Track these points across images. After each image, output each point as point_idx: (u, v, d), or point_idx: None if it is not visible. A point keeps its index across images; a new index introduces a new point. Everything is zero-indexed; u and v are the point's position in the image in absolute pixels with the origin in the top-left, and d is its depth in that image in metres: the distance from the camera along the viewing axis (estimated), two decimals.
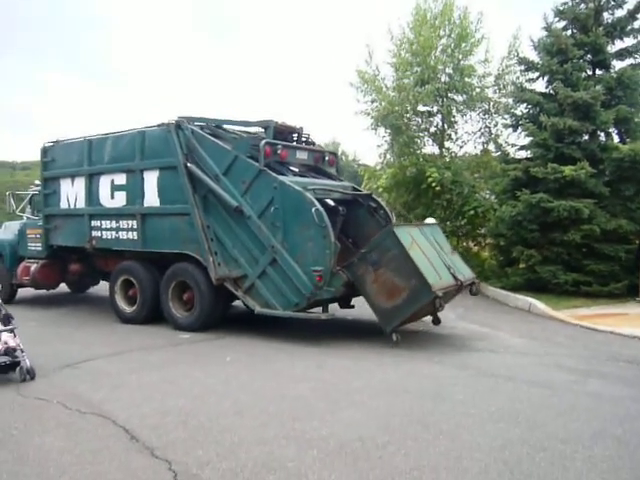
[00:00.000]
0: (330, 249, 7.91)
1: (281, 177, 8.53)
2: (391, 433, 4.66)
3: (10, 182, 71.57)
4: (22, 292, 12.88)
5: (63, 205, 11.30)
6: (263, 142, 8.70)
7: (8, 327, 6.47)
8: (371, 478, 3.83)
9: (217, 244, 8.99)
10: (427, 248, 8.31)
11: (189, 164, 9.11)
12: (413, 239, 8.10)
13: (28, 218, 12.94)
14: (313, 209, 7.95)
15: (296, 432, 4.66)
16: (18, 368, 6.17)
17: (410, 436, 4.59)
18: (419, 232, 8.54)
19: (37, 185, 13.40)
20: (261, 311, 8.58)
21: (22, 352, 6.25)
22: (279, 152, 9.03)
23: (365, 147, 61.72)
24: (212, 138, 9.26)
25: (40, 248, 12.10)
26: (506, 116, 14.64)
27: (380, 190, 15.16)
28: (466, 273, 8.96)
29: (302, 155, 9.82)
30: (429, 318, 9.10)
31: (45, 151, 11.73)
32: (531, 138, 12.88)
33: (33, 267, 12.01)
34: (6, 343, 6.24)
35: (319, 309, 8.56)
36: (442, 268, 8.29)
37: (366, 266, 7.94)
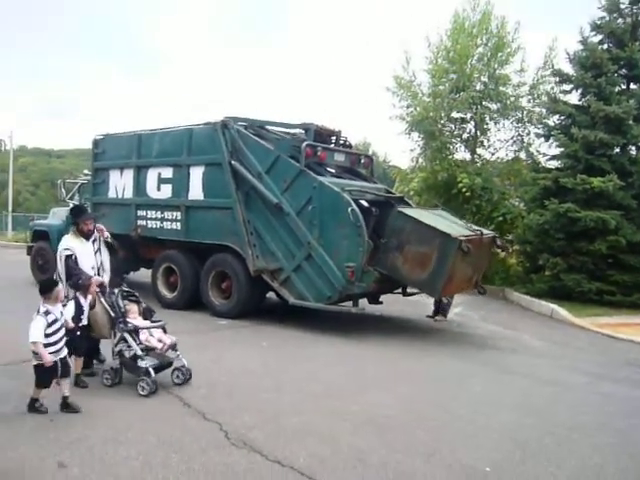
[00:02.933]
0: (363, 247, 8.40)
1: (320, 178, 9.06)
2: (414, 413, 5.19)
3: (46, 169, 73.85)
4: None
5: (111, 194, 11.97)
6: (305, 144, 9.24)
7: (159, 323, 6.07)
8: (395, 446, 4.37)
9: (256, 238, 9.56)
10: (437, 218, 9.02)
11: (233, 162, 9.69)
12: (420, 212, 8.94)
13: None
14: (349, 209, 8.45)
15: (329, 407, 5.22)
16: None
17: (431, 417, 5.11)
18: (425, 211, 9.43)
19: (86, 174, 14.22)
20: (295, 302, 9.13)
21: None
22: (319, 154, 9.56)
23: (395, 148, 62.06)
24: (256, 138, 9.84)
25: None
26: (539, 126, 14.95)
27: (411, 193, 15.62)
28: (485, 230, 9.49)
29: (339, 157, 10.34)
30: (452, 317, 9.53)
31: (96, 143, 12.44)
32: (562, 149, 13.20)
33: None
34: (160, 340, 5.86)
35: (349, 303, 9.10)
36: (458, 226, 9.00)
37: (391, 253, 8.46)
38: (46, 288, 4.98)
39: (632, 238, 11.91)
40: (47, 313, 4.85)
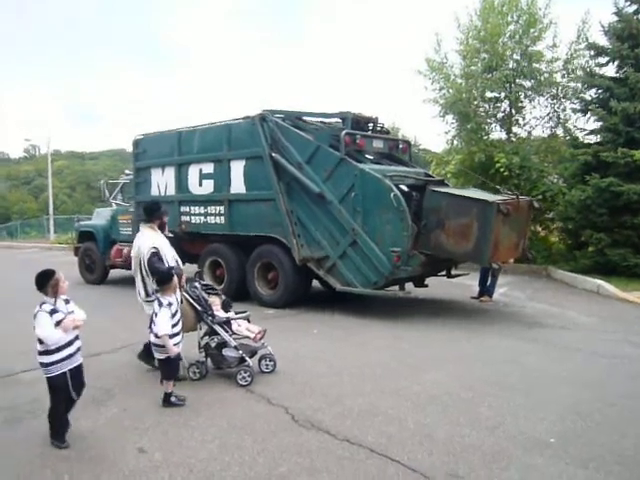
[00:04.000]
0: (407, 231, 8.49)
1: (361, 165, 9.16)
2: (473, 390, 5.30)
3: (80, 171, 75.50)
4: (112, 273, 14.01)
5: (154, 192, 12.26)
6: (344, 132, 9.35)
7: (245, 314, 6.27)
8: (459, 421, 4.50)
9: (300, 227, 9.73)
10: (471, 191, 9.39)
11: (274, 154, 9.86)
12: (452, 188, 9.27)
13: (117, 205, 14.06)
14: (392, 194, 8.54)
15: (390, 388, 5.37)
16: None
17: (490, 393, 5.22)
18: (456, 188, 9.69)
19: (127, 174, 14.57)
20: (342, 289, 9.29)
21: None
22: (358, 141, 9.66)
23: (424, 132, 61.53)
24: (294, 129, 9.98)
25: (131, 232, 13.09)
26: (575, 101, 14.75)
27: (449, 176, 15.55)
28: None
29: (378, 144, 10.42)
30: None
31: (136, 143, 12.76)
32: (601, 123, 13.01)
33: (126, 250, 13.00)
34: (248, 329, 6.03)
35: (395, 288, 9.21)
36: (492, 194, 9.23)
37: (433, 232, 8.55)
38: (165, 278, 5.17)
39: None
40: (170, 304, 5.05)
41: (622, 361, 6.33)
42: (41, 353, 4.12)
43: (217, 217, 10.98)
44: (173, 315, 5.04)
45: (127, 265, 13.23)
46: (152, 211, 6.26)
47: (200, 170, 11.23)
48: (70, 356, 4.19)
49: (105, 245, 13.75)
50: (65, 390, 4.18)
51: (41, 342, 4.07)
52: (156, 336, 5.00)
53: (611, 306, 10.02)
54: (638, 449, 4.00)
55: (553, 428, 4.35)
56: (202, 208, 11.25)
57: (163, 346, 4.97)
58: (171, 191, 11.83)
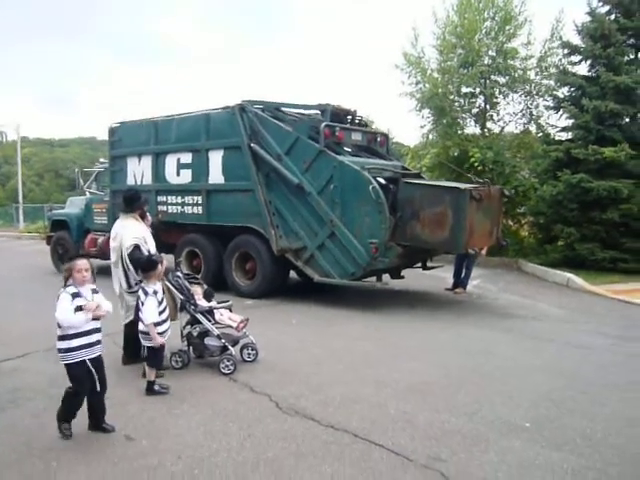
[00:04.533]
0: (385, 223, 8.61)
1: (340, 157, 9.25)
2: (450, 378, 5.46)
3: (49, 159, 73.93)
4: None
5: (130, 181, 12.14)
6: (323, 124, 9.41)
7: (227, 303, 6.31)
8: (439, 408, 4.65)
9: (279, 218, 9.79)
10: (442, 182, 9.99)
11: (253, 144, 9.87)
12: (425, 179, 9.57)
13: (92, 193, 13.89)
14: (370, 187, 8.65)
15: (369, 376, 5.49)
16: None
17: (467, 381, 5.39)
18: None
19: (102, 163, 14.41)
20: (320, 280, 9.38)
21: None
22: (337, 133, 9.73)
23: (399, 125, 61.85)
24: (274, 120, 10.01)
25: (106, 222, 12.97)
26: (548, 98, 15.07)
27: (424, 169, 15.74)
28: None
29: (357, 136, 10.51)
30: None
31: (112, 131, 12.61)
32: (573, 120, 13.33)
33: (100, 239, 12.88)
34: (231, 318, 6.10)
35: (373, 279, 9.35)
36: (463, 184, 9.39)
37: (409, 223, 8.68)
38: (149, 266, 5.16)
39: None
40: (155, 292, 5.06)
41: (593, 351, 6.57)
42: (59, 338, 4.02)
43: (195, 207, 10.95)
44: (160, 303, 5.07)
45: (101, 255, 13.07)
46: (132, 200, 6.16)
47: (178, 159, 11.17)
48: (89, 345, 4.06)
49: (79, 234, 13.57)
50: (82, 380, 4.07)
51: (59, 326, 3.99)
52: (143, 324, 5.02)
53: (580, 298, 10.33)
54: (606, 432, 4.20)
55: (528, 414, 4.53)
56: (179, 198, 11.21)
57: (148, 333, 5.00)
58: (148, 180, 11.74)
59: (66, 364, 4.05)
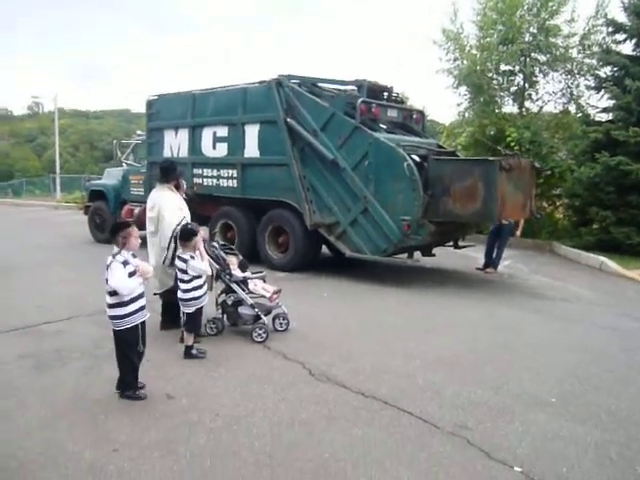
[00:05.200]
0: (419, 201, 8.66)
1: (375, 134, 9.29)
2: (479, 353, 5.58)
3: (84, 131, 75.19)
4: None
5: (166, 154, 12.30)
6: (359, 100, 9.45)
7: (261, 274, 6.55)
8: (467, 380, 4.79)
9: (312, 193, 9.90)
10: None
11: (289, 119, 9.96)
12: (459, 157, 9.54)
13: (129, 165, 14.18)
14: (405, 164, 8.69)
15: (399, 348, 5.64)
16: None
17: (495, 356, 5.49)
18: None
19: (139, 135, 14.69)
20: (352, 255, 9.51)
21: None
22: (373, 110, 9.75)
23: (433, 103, 60.97)
24: (310, 95, 10.07)
25: (142, 193, 13.24)
26: (589, 77, 14.74)
27: (459, 148, 15.62)
28: None
29: (392, 113, 10.52)
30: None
31: (150, 104, 12.80)
32: (614, 101, 13.05)
33: (137, 210, 13.15)
34: (264, 289, 6.27)
35: (404, 255, 9.44)
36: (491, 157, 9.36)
37: (440, 200, 8.70)
38: (186, 236, 5.39)
39: None
40: (193, 257, 5.29)
41: (621, 334, 6.58)
42: (113, 306, 4.17)
43: (230, 180, 11.12)
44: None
45: (138, 224, 13.37)
46: (168, 171, 6.31)
47: (214, 133, 11.33)
48: (141, 309, 4.28)
49: (116, 205, 13.90)
50: (133, 344, 4.28)
51: (113, 294, 4.14)
52: (184, 291, 5.24)
53: (613, 282, 10.24)
54: (631, 410, 4.27)
55: (554, 389, 4.63)
56: (215, 171, 11.39)
57: (189, 299, 5.22)
58: (184, 153, 11.91)
59: (121, 329, 4.23)
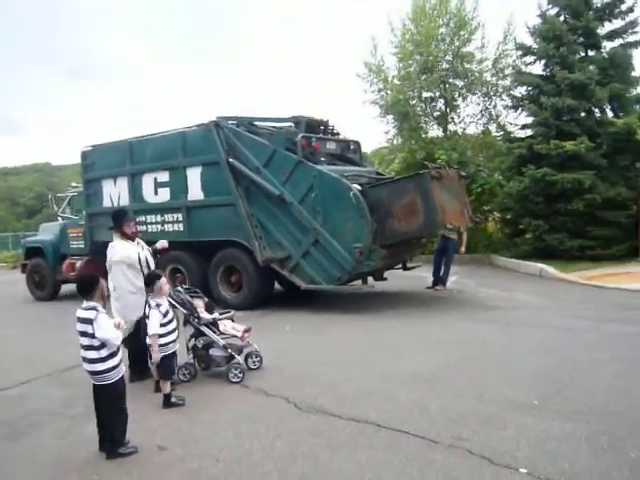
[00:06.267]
0: (368, 227, 8.89)
1: (318, 166, 9.51)
2: (451, 367, 5.78)
3: (3, 187, 72.25)
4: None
5: (106, 204, 12.14)
6: (300, 135, 9.68)
7: (229, 314, 6.49)
8: (448, 393, 4.95)
9: (261, 230, 9.97)
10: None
11: (230, 159, 10.05)
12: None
13: (66, 218, 13.80)
14: (351, 193, 8.93)
15: (375, 372, 5.75)
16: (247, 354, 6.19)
17: (467, 368, 5.72)
18: None
19: (75, 187, 14.35)
20: (307, 287, 9.60)
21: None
22: (313, 144, 9.99)
23: (360, 132, 62.53)
24: (250, 134, 10.22)
25: (82, 245, 12.96)
26: (505, 98, 15.71)
27: (393, 173, 16.13)
28: None
29: (331, 145, 10.81)
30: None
31: (85, 155, 12.61)
32: (533, 117, 13.96)
33: (78, 263, 12.85)
34: (234, 328, 6.19)
35: (358, 282, 9.62)
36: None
37: (385, 222, 8.97)
38: (150, 281, 5.32)
39: (606, 195, 12.77)
40: (158, 305, 5.19)
41: (577, 333, 6.98)
42: (105, 358, 4.08)
43: (175, 224, 11.04)
44: (164, 315, 5.23)
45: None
46: (116, 219, 6.31)
47: (155, 179, 11.26)
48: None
49: (55, 260, 13.45)
50: (125, 394, 4.33)
51: (101, 347, 4.07)
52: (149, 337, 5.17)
53: (555, 286, 10.82)
54: (606, 402, 4.55)
55: (532, 392, 4.85)
56: (159, 216, 11.28)
57: (161, 346, 5.14)
58: (125, 201, 11.74)
59: (115, 381, 4.16)
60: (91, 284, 4.13)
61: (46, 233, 14.32)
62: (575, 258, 12.77)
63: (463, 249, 11.26)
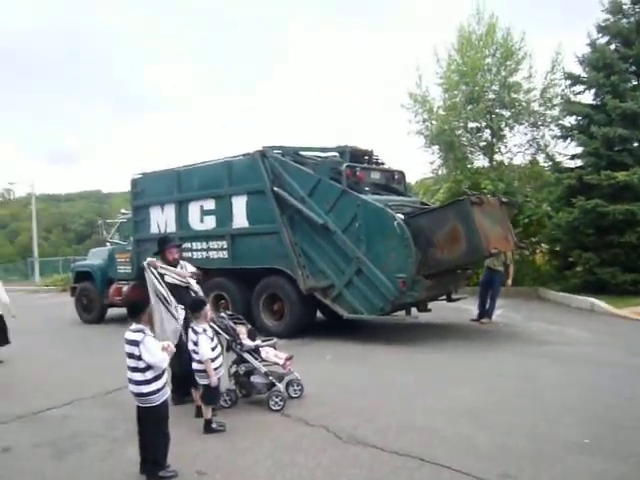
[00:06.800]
0: (412, 257, 8.79)
1: (362, 196, 9.51)
2: (498, 403, 5.60)
3: (57, 214, 75.05)
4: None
5: (153, 230, 12.42)
6: (344, 165, 9.72)
7: (272, 341, 6.48)
8: (495, 429, 4.79)
9: (305, 258, 9.99)
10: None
11: (275, 188, 10.16)
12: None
13: (115, 244, 14.16)
14: (395, 223, 8.88)
15: (418, 405, 5.62)
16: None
17: (515, 404, 5.54)
18: None
19: (124, 213, 14.75)
20: (349, 316, 9.52)
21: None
22: (357, 174, 10.02)
23: (404, 162, 62.67)
24: (295, 164, 10.33)
25: (130, 270, 13.21)
26: (554, 127, 15.46)
27: (438, 203, 16.01)
28: None
29: (375, 175, 10.82)
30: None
31: (134, 183, 12.98)
32: (582, 147, 13.68)
33: (125, 288, 13.11)
34: (276, 356, 6.18)
35: (401, 313, 9.49)
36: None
37: (428, 253, 8.85)
38: (197, 307, 5.40)
39: None
40: (205, 330, 5.26)
41: (631, 371, 6.67)
42: (150, 381, 4.13)
43: (220, 252, 11.18)
44: (211, 340, 5.26)
45: (126, 303, 13.33)
46: (159, 244, 6.56)
47: (201, 206, 11.46)
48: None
49: (103, 284, 13.77)
50: (168, 417, 4.34)
51: (147, 369, 4.12)
52: (199, 362, 5.19)
53: (606, 322, 10.42)
54: None
55: (583, 431, 4.64)
56: (204, 244, 11.45)
57: (205, 371, 5.16)
58: (171, 228, 11.98)
59: (159, 404, 4.19)
60: (140, 307, 4.25)
61: (95, 258, 14.73)
62: (628, 293, 12.29)
63: (510, 282, 10.98)
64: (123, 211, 15.17)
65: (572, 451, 4.21)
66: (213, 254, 11.33)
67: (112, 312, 13.92)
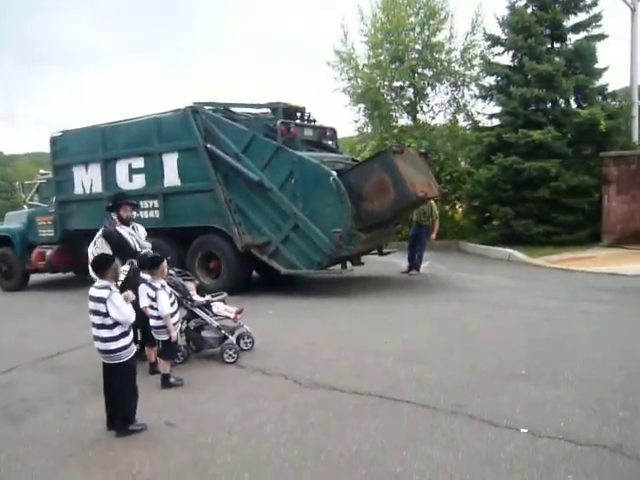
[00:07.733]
0: (347, 212, 9.03)
1: (298, 152, 9.61)
2: (439, 344, 6.04)
3: None
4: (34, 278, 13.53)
5: (78, 191, 11.98)
6: (279, 122, 9.74)
7: (222, 296, 6.60)
8: (440, 367, 5.20)
9: (240, 215, 10.01)
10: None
11: (209, 145, 10.05)
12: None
13: (34, 206, 13.50)
14: (331, 178, 9.07)
15: (367, 350, 5.95)
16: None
17: (454, 344, 5.99)
18: None
19: (43, 174, 14.04)
20: (287, 271, 9.70)
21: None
22: (291, 130, 10.07)
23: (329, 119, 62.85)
24: (228, 120, 10.23)
25: (52, 234, 12.68)
26: (474, 87, 16.07)
27: None
28: None
29: (308, 132, 10.90)
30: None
31: (54, 141, 12.36)
32: (501, 107, 14.35)
33: (49, 252, 12.57)
34: (227, 310, 6.36)
35: (337, 267, 9.79)
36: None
37: (360, 207, 9.10)
38: (154, 263, 5.36)
39: (570, 182, 13.26)
40: (163, 287, 5.27)
41: (550, 311, 7.34)
42: (119, 337, 4.12)
43: (151, 211, 10.97)
44: (170, 295, 5.30)
45: (50, 268, 12.82)
46: (113, 202, 6.50)
47: (129, 165, 11.14)
48: None
49: (23, 249, 13.14)
50: None
51: (115, 325, 4.10)
52: (158, 318, 5.22)
53: (523, 270, 11.23)
54: (588, 371, 4.88)
55: (518, 364, 5.15)
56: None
57: (164, 327, 5.21)
58: (97, 188, 11.61)
59: (130, 358, 4.22)
60: (106, 263, 4.18)
61: (13, 222, 13.91)
62: (541, 243, 13.24)
63: (434, 235, 11.51)
64: (42, 171, 14.43)
65: (511, 381, 4.68)
66: (144, 214, 11.05)
67: (34, 278, 13.40)
